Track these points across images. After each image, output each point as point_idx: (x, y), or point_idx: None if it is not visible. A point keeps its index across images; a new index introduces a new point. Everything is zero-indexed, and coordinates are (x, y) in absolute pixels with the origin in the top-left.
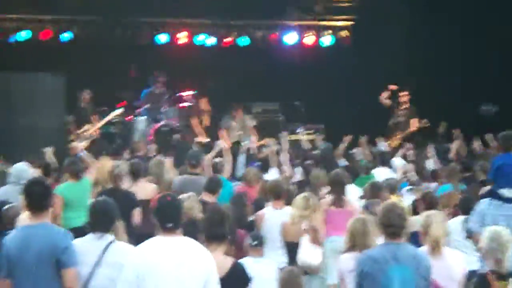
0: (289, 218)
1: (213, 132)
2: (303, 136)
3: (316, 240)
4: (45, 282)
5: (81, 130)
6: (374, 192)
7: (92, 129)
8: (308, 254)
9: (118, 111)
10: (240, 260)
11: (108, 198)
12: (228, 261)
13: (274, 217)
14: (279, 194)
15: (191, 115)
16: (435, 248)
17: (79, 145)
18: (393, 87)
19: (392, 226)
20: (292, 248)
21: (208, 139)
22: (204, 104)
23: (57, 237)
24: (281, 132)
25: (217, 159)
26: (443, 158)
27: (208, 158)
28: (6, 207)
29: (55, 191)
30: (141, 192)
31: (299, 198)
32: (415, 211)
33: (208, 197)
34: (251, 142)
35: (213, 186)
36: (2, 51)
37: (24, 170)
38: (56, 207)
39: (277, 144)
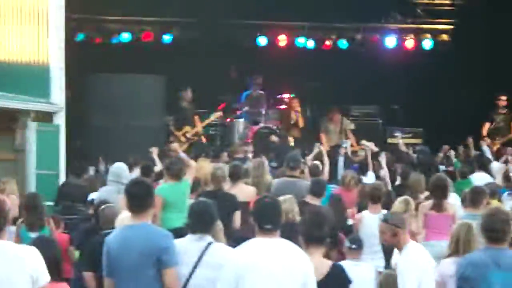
0: None
1: (311, 135)
2: (401, 139)
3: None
4: (146, 282)
5: (182, 131)
6: (475, 197)
7: (193, 131)
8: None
9: (218, 113)
10: (339, 263)
11: (208, 200)
12: (327, 264)
13: (371, 221)
14: (376, 198)
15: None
16: None
17: (180, 147)
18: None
19: (495, 231)
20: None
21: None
22: (295, 104)
23: (158, 237)
24: (379, 135)
25: (316, 162)
26: None
27: (307, 160)
28: (102, 206)
29: (155, 191)
30: (240, 194)
31: (398, 202)
32: None
33: (313, 200)
34: (349, 145)
35: (318, 189)
36: (104, 53)
37: (123, 170)
38: (156, 208)
39: (376, 147)
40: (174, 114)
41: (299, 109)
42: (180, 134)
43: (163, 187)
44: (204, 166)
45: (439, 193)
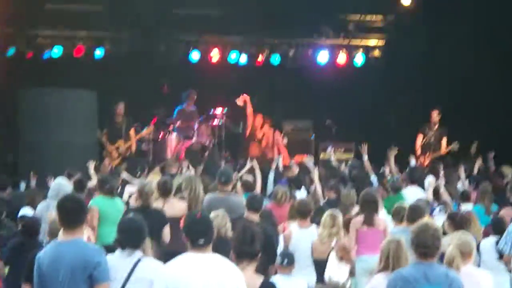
0: (317, 237)
1: (244, 149)
2: (333, 154)
3: (345, 257)
4: None
5: (115, 146)
6: (413, 214)
7: (125, 145)
8: (336, 271)
9: (149, 129)
10: (270, 279)
11: (137, 215)
12: (258, 279)
13: (301, 236)
14: (305, 213)
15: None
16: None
17: (112, 162)
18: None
19: (425, 246)
20: (320, 265)
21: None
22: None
23: (90, 253)
24: (312, 150)
25: (248, 177)
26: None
27: (239, 175)
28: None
29: (90, 203)
30: (171, 210)
31: (326, 217)
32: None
33: (252, 216)
34: (281, 159)
35: (255, 204)
36: (36, 68)
37: (63, 185)
38: (94, 219)
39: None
40: (107, 128)
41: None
42: (113, 149)
43: (97, 199)
44: (155, 179)
45: (369, 208)
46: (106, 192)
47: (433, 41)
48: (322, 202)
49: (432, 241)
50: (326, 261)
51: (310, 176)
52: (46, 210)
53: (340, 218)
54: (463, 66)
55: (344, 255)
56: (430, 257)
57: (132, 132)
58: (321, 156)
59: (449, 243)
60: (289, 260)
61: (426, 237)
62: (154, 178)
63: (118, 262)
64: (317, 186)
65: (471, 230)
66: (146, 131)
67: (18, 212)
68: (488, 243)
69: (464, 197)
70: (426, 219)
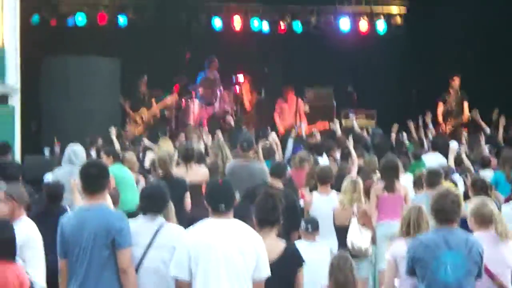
0: (338, 203)
1: (266, 117)
2: (355, 121)
3: (366, 223)
4: (100, 263)
5: (138, 113)
6: (431, 179)
7: (149, 113)
8: (358, 237)
9: (173, 97)
10: (293, 243)
11: (159, 181)
12: (281, 244)
13: (321, 203)
14: (326, 179)
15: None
16: (503, 234)
17: (136, 129)
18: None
19: (445, 211)
20: (342, 232)
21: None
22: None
23: (113, 219)
24: (333, 117)
25: (268, 143)
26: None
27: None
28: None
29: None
30: (194, 176)
31: (347, 183)
32: (466, 196)
33: (275, 182)
34: (302, 127)
35: (279, 170)
36: (59, 35)
37: (77, 151)
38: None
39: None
40: (130, 97)
41: (247, 92)
42: (136, 116)
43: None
44: (164, 146)
45: (389, 175)
46: (114, 159)
47: (456, 8)
48: (355, 168)
49: (452, 207)
50: (348, 227)
51: (337, 142)
52: (66, 176)
53: (361, 184)
54: (486, 32)
55: (365, 221)
56: (450, 223)
57: (152, 101)
58: (344, 123)
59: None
60: (313, 226)
61: (446, 203)
62: (164, 146)
63: (140, 228)
64: (353, 152)
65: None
66: (169, 99)
67: (42, 178)
68: (510, 209)
69: (485, 163)
70: (447, 184)
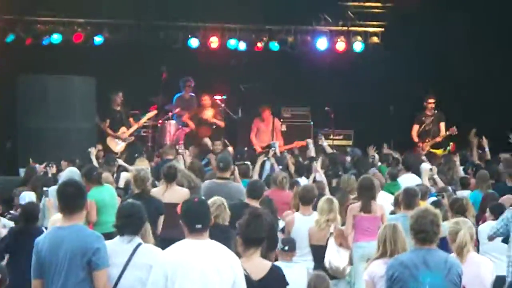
0: (313, 223)
1: (243, 137)
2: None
3: (343, 243)
4: (75, 283)
5: (118, 133)
6: (409, 199)
7: (129, 131)
8: (335, 257)
9: (152, 113)
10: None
11: (135, 201)
12: (267, 264)
13: (302, 223)
14: (308, 200)
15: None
16: (461, 254)
17: (116, 148)
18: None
19: (424, 232)
20: (318, 251)
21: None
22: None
23: (89, 239)
24: (310, 137)
25: (246, 163)
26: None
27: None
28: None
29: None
30: (172, 196)
31: (322, 203)
32: (444, 217)
33: (251, 202)
34: (278, 146)
35: (257, 191)
36: (34, 54)
37: (74, 174)
38: (92, 213)
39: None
40: (107, 116)
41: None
42: (116, 136)
43: (91, 192)
44: (141, 166)
45: (366, 195)
46: (94, 181)
47: (431, 27)
48: (326, 189)
49: (432, 227)
50: (324, 247)
51: (311, 164)
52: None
53: (336, 204)
54: (461, 52)
55: (342, 241)
56: (429, 243)
57: (131, 120)
58: (319, 143)
59: (450, 229)
60: (290, 246)
61: (425, 223)
62: (141, 165)
63: (117, 248)
64: (321, 173)
65: (468, 216)
66: (148, 116)
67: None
68: (487, 228)
69: (463, 183)
70: (424, 204)
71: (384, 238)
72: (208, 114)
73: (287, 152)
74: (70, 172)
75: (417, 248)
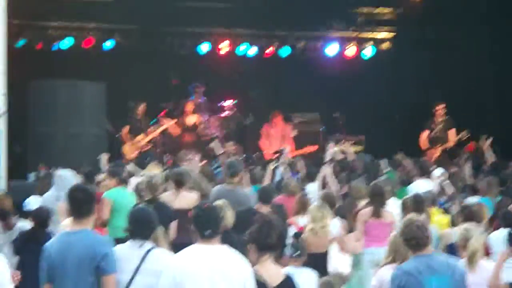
0: (309, 232)
1: (253, 142)
2: (336, 147)
3: (343, 249)
4: None
5: (136, 139)
6: (417, 205)
7: (146, 139)
8: (339, 263)
9: (169, 124)
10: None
11: (147, 206)
12: (281, 272)
13: None
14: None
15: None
16: (472, 261)
17: (132, 153)
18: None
19: (414, 238)
20: (318, 260)
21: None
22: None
23: (98, 244)
24: (320, 143)
25: (256, 169)
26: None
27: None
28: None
29: (104, 195)
30: (183, 202)
31: (314, 212)
32: (453, 223)
33: (263, 208)
34: (285, 152)
35: (267, 196)
36: (45, 59)
37: (67, 177)
38: (105, 210)
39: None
40: (120, 122)
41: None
42: (135, 142)
43: (112, 191)
44: (153, 172)
45: (377, 201)
46: (118, 180)
47: (442, 34)
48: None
49: (420, 232)
50: (323, 254)
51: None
52: (54, 201)
53: (328, 210)
54: (473, 59)
55: (341, 246)
56: (424, 247)
57: (150, 129)
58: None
59: (460, 236)
60: (301, 252)
61: (413, 230)
62: (153, 170)
63: (128, 253)
64: (330, 180)
65: (480, 222)
66: (166, 125)
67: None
68: (498, 235)
69: (472, 190)
70: (433, 211)
71: (395, 246)
72: (191, 120)
73: (298, 157)
74: (62, 175)
75: (417, 256)
